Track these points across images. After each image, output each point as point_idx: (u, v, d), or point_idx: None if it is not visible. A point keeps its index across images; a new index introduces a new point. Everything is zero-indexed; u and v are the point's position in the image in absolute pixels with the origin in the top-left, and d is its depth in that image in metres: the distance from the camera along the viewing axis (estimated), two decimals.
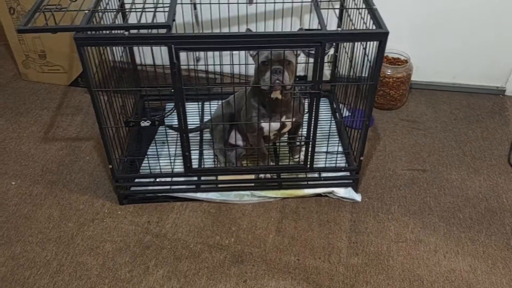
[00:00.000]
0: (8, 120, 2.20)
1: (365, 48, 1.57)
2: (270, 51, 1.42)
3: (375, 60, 1.44)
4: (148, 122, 1.56)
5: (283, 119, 1.64)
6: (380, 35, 1.37)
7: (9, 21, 2.27)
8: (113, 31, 1.38)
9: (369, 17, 1.49)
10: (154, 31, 1.36)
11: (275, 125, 1.65)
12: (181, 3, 1.94)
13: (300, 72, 2.33)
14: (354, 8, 1.62)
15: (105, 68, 1.67)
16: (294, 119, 1.67)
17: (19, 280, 1.52)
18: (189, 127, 1.64)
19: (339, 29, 1.34)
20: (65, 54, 2.32)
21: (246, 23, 2.16)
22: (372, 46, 1.49)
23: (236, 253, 1.61)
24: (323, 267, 1.57)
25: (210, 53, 2.13)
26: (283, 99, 1.58)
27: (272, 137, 1.72)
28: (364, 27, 1.54)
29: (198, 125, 2.03)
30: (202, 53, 2.31)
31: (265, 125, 1.65)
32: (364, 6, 1.53)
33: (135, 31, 1.36)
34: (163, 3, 1.47)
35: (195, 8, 2.20)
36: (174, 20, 1.37)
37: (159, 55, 1.99)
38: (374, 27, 1.42)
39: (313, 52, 1.43)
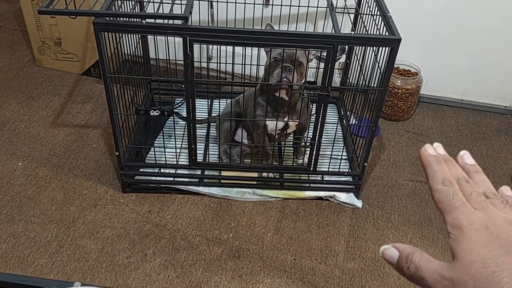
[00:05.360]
0: (20, 103, 2.24)
1: (376, 55, 1.59)
2: (283, 49, 1.45)
3: (386, 66, 1.46)
4: (157, 112, 1.59)
5: (288, 119, 1.65)
6: (393, 42, 1.39)
7: (29, 7, 2.31)
8: (130, 19, 1.41)
9: (382, 24, 1.51)
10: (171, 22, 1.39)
11: (279, 125, 1.67)
12: (199, 0, 1.97)
13: (310, 78, 2.35)
14: (368, 14, 1.65)
15: (118, 59, 1.70)
16: (299, 121, 1.68)
17: (19, 257, 1.54)
18: (197, 119, 1.66)
19: (352, 32, 1.36)
20: (80, 43, 2.36)
21: (261, 25, 2.19)
22: (383, 55, 1.51)
23: (234, 248, 1.62)
24: (319, 269, 1.57)
25: (222, 52, 2.15)
26: (288, 100, 1.60)
27: (276, 136, 1.74)
28: (378, 34, 1.56)
29: (206, 117, 2.05)
30: (214, 52, 2.34)
31: (269, 123, 1.66)
32: (378, 13, 1.55)
33: (152, 21, 1.39)
34: None
35: (211, 7, 2.23)
36: (191, 12, 1.40)
37: (172, 50, 2.01)
38: (387, 34, 1.44)
39: (324, 56, 1.45)
